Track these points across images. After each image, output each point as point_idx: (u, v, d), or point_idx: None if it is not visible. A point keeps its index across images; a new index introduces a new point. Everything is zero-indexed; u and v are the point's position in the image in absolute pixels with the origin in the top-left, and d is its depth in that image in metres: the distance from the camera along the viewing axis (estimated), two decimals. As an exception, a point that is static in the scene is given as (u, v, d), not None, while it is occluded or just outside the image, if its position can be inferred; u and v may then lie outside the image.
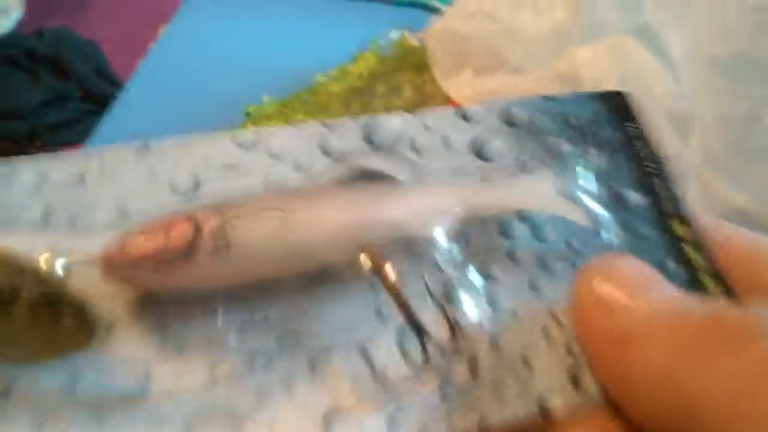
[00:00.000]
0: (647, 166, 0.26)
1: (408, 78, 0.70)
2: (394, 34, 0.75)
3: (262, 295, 0.22)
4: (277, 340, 0.21)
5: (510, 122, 0.25)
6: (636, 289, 0.20)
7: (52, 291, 0.20)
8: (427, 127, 0.25)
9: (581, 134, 0.26)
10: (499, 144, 0.25)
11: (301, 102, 0.66)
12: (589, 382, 0.22)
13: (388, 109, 0.68)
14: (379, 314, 0.22)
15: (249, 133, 0.24)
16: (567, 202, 0.24)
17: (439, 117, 0.25)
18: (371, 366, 0.21)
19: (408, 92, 0.69)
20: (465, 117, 0.25)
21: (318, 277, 0.22)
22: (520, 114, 0.26)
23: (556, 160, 0.25)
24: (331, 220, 0.22)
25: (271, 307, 0.22)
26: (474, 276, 0.24)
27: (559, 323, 0.23)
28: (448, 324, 0.22)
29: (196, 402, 0.20)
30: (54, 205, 0.22)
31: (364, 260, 0.22)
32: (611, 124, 0.26)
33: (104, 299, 0.21)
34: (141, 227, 0.21)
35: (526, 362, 0.22)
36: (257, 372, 0.21)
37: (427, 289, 0.22)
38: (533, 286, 0.24)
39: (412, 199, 0.23)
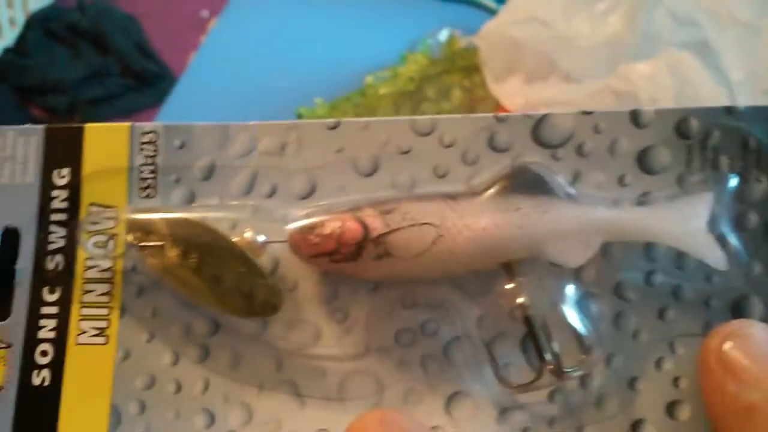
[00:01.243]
0: None
1: (457, 81, 0.69)
2: (443, 34, 0.74)
3: (414, 284, 0.25)
4: (427, 323, 0.25)
5: (683, 134, 0.25)
6: (766, 362, 0.21)
7: (245, 259, 0.24)
8: (597, 130, 0.25)
9: (754, 157, 0.25)
10: (666, 156, 0.25)
11: (351, 104, 0.66)
12: (685, 417, 0.24)
13: (437, 113, 0.68)
14: (512, 318, 0.24)
15: (426, 119, 0.26)
16: (712, 244, 0.24)
17: (612, 118, 0.25)
18: (494, 361, 0.24)
19: (457, 96, 0.69)
20: (638, 122, 0.25)
21: (461, 278, 0.25)
22: (697, 125, 0.25)
23: (720, 183, 0.24)
24: (480, 237, 0.23)
25: (420, 295, 0.25)
26: (607, 295, 0.24)
27: (675, 355, 0.24)
28: (574, 338, 0.24)
29: (351, 363, 0.25)
30: (259, 172, 0.26)
31: (503, 275, 0.24)
32: None
33: (290, 269, 0.25)
34: (323, 219, 0.24)
35: (632, 385, 0.24)
36: (401, 348, 0.25)
37: (556, 305, 0.24)
38: (662, 315, 0.24)
39: (558, 222, 0.24)
